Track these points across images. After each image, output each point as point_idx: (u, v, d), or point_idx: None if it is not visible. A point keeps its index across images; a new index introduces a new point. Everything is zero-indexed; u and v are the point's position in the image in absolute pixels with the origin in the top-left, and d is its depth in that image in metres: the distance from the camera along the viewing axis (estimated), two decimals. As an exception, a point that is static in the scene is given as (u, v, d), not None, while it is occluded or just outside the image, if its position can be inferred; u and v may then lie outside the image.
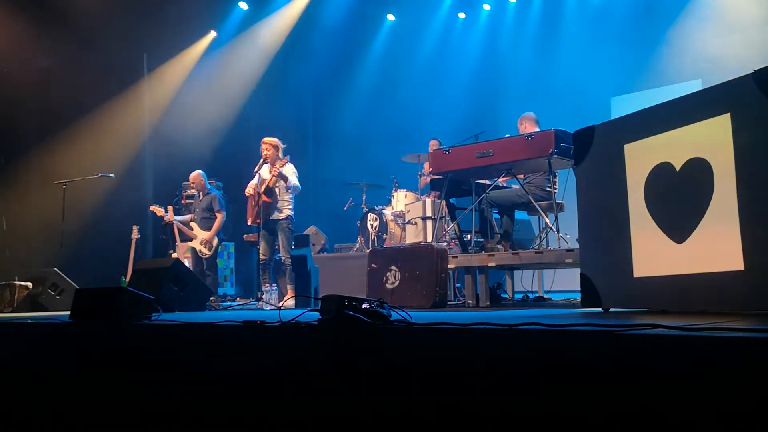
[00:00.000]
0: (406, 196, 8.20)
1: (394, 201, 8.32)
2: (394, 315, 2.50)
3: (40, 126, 9.31)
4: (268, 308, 5.97)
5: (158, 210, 7.85)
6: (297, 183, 6.87)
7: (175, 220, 7.73)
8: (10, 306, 6.50)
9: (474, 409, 1.94)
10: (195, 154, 9.69)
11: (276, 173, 6.68)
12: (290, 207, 6.93)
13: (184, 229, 7.73)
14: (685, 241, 2.70)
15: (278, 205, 6.84)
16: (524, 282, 6.54)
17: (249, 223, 6.96)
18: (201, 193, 7.95)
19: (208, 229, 7.67)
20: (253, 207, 6.79)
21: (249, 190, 6.82)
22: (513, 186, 6.01)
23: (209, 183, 8.19)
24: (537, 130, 5.87)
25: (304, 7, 10.91)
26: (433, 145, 7.73)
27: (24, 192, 9.00)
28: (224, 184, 9.00)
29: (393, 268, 4.98)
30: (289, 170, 6.85)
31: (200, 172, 7.98)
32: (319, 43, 11.08)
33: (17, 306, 6.46)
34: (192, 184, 8.05)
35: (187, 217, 7.93)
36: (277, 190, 6.81)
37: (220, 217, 7.72)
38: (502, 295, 5.82)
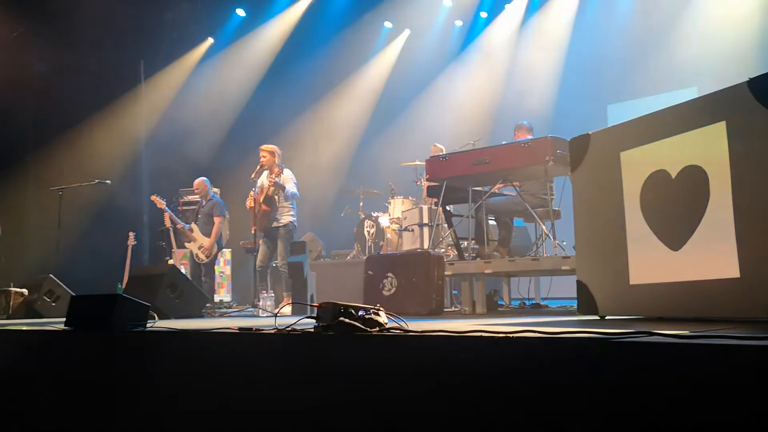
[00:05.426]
0: (403, 203, 8.19)
1: (390, 208, 8.31)
2: (391, 322, 2.50)
3: (36, 132, 9.31)
4: (264, 315, 5.96)
5: (159, 201, 7.88)
6: (295, 190, 6.88)
7: (168, 210, 7.78)
8: (5, 313, 6.47)
9: (471, 416, 1.94)
10: (192, 161, 9.69)
11: (272, 182, 6.69)
12: (291, 213, 6.94)
13: (185, 230, 7.71)
14: (681, 249, 2.70)
15: (277, 214, 6.84)
16: (521, 289, 6.53)
17: (253, 232, 6.99)
18: (204, 200, 7.94)
19: (208, 234, 7.66)
20: (254, 216, 6.81)
21: (249, 201, 6.84)
22: (505, 193, 6.02)
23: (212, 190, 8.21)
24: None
25: (302, 13, 10.94)
26: (434, 150, 7.73)
27: (20, 198, 8.99)
28: (221, 190, 9.00)
29: (389, 275, 4.97)
30: (287, 178, 6.86)
31: (204, 179, 7.99)
32: (316, 50, 11.10)
33: (12, 313, 6.44)
34: (195, 190, 8.04)
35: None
36: (276, 198, 6.82)
37: (217, 222, 7.71)
38: (499, 302, 5.81)
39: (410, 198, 8.34)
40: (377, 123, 11.41)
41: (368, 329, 2.35)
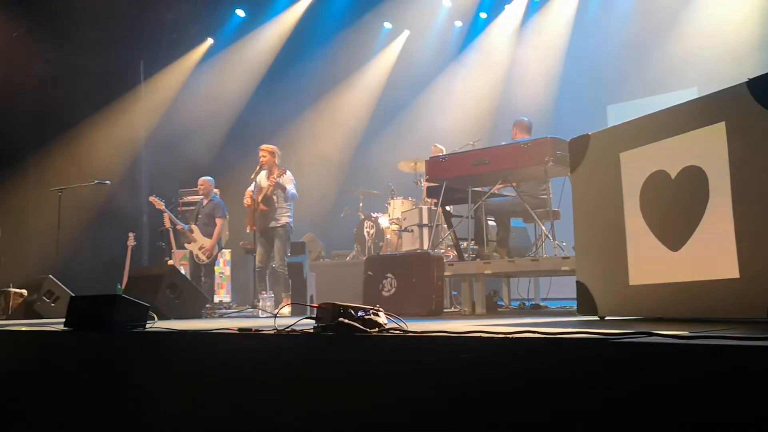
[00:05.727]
0: (402, 204, 8.20)
1: (390, 208, 8.31)
2: (390, 323, 2.50)
3: (36, 133, 9.31)
4: (263, 316, 5.96)
5: (157, 202, 7.89)
6: (295, 191, 6.89)
7: (167, 211, 7.78)
8: (4, 313, 6.48)
9: (470, 416, 1.94)
10: (191, 161, 9.69)
11: (273, 182, 6.69)
12: (288, 215, 6.94)
13: (185, 231, 7.70)
14: (680, 249, 2.70)
15: (276, 214, 6.84)
16: (520, 290, 6.53)
17: (248, 231, 6.98)
18: (205, 199, 7.93)
19: (209, 235, 7.65)
20: (251, 215, 6.81)
21: (247, 199, 6.83)
22: (505, 194, 6.02)
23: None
24: (527, 136, 5.90)
25: (302, 14, 10.94)
26: (434, 151, 7.73)
27: (20, 198, 8.99)
28: (220, 191, 9.01)
29: (389, 275, 4.97)
30: (288, 179, 6.87)
31: (209, 178, 7.99)
32: (316, 50, 11.10)
33: (12, 313, 6.44)
34: (200, 188, 8.03)
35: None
36: (274, 198, 6.82)
37: (219, 224, 7.70)
38: (499, 303, 5.81)
39: (410, 198, 8.34)
40: (377, 123, 11.41)
41: (368, 330, 2.35)
